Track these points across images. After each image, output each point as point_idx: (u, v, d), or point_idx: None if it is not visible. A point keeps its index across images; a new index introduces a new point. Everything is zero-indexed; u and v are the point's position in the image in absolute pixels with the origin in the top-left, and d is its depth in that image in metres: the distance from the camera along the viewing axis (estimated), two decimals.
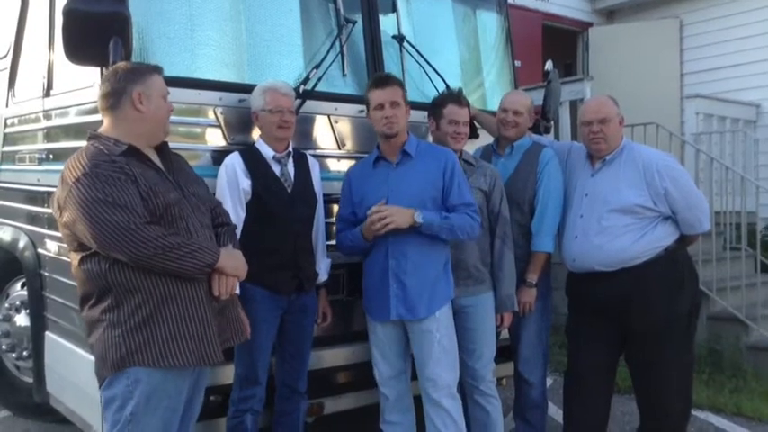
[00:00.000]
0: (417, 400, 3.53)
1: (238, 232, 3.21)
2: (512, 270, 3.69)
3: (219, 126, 3.47)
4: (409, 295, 3.33)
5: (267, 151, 3.38)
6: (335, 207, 3.67)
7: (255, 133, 3.50)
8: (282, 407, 3.52)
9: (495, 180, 3.68)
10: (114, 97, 2.63)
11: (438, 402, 3.34)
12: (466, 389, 3.62)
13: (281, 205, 3.34)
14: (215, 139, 3.48)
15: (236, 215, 3.26)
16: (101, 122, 2.71)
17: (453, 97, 3.68)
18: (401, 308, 3.34)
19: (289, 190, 3.38)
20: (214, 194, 3.21)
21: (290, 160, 3.44)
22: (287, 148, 3.42)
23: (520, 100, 3.96)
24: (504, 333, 3.91)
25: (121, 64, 2.74)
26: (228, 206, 3.23)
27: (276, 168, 3.38)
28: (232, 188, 3.29)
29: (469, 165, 3.68)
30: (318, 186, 3.53)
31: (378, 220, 3.23)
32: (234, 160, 3.32)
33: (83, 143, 2.67)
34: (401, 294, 3.33)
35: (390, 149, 3.42)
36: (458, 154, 3.61)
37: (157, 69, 2.74)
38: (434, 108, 3.71)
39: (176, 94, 3.27)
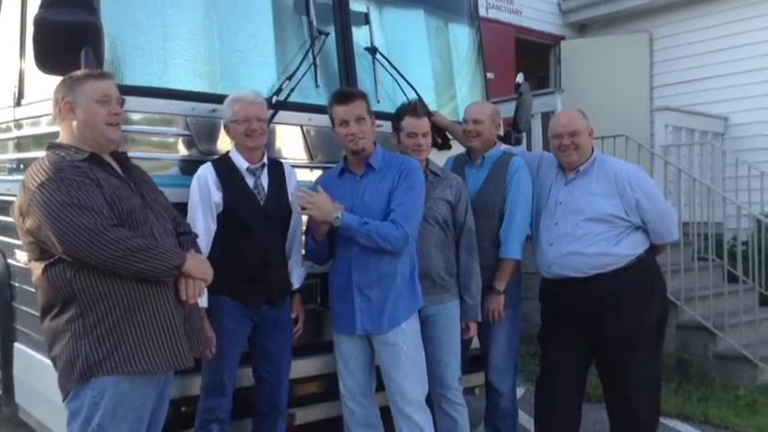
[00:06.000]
0: (384, 411, 3.53)
1: (210, 243, 3.23)
2: (478, 280, 3.71)
3: (191, 136, 3.47)
4: (374, 308, 3.31)
5: (241, 162, 3.35)
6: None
7: (228, 143, 3.49)
8: (260, 425, 3.50)
9: (460, 191, 3.68)
10: (55, 108, 2.66)
11: (409, 417, 3.33)
12: (433, 397, 3.61)
13: (252, 218, 3.33)
14: (187, 149, 3.48)
15: (207, 227, 3.26)
16: None
17: (409, 109, 3.66)
18: (366, 321, 3.32)
19: (261, 202, 3.36)
20: (185, 204, 3.21)
21: (265, 171, 3.41)
22: (262, 158, 3.40)
23: (478, 109, 4.01)
24: (475, 342, 3.94)
25: (66, 75, 2.72)
26: (199, 218, 3.24)
27: (249, 180, 3.36)
28: (204, 200, 3.27)
29: (436, 176, 3.68)
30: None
31: (303, 203, 3.16)
32: (206, 171, 3.30)
33: (42, 155, 2.66)
34: (366, 308, 3.32)
35: (356, 162, 3.43)
36: (423, 165, 3.61)
37: (96, 75, 2.70)
38: (394, 121, 3.71)
39: (148, 104, 3.31)
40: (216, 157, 3.45)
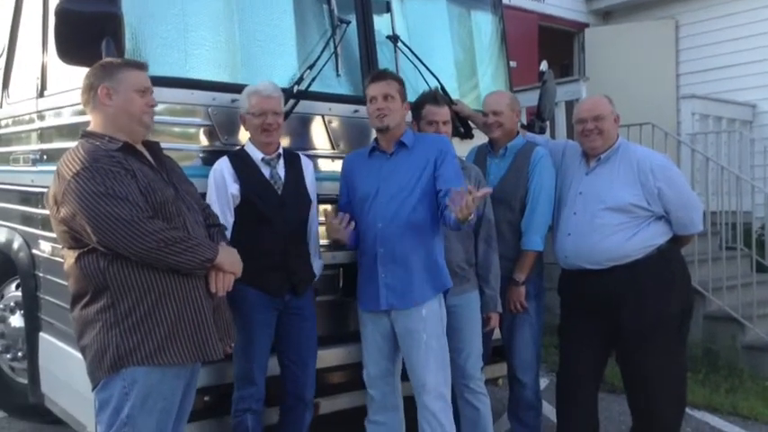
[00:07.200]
0: (410, 401, 3.52)
1: (228, 236, 3.22)
2: (496, 271, 3.69)
3: (212, 126, 3.46)
4: (398, 283, 3.31)
5: (256, 153, 3.35)
6: (328, 207, 3.66)
7: (247, 134, 3.49)
8: (285, 417, 3.49)
9: (479, 182, 3.64)
10: (87, 93, 2.65)
11: (426, 406, 3.32)
12: (456, 388, 3.59)
13: (271, 208, 3.32)
14: (208, 139, 3.47)
15: (225, 220, 3.25)
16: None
17: (430, 97, 3.68)
18: (391, 297, 3.32)
19: (279, 192, 3.36)
20: (204, 195, 3.21)
21: (281, 161, 3.41)
22: (277, 149, 3.40)
23: (497, 99, 3.96)
24: (497, 333, 3.91)
25: (101, 61, 2.73)
26: (217, 211, 3.22)
27: (265, 171, 3.36)
28: (220, 193, 3.28)
29: None
30: (312, 187, 3.50)
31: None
32: (222, 165, 3.31)
33: (76, 143, 2.65)
34: (390, 283, 3.32)
35: (386, 142, 3.42)
36: None
37: (134, 64, 2.72)
38: (414, 110, 3.69)
39: (169, 94, 3.29)
40: (234, 150, 3.43)
